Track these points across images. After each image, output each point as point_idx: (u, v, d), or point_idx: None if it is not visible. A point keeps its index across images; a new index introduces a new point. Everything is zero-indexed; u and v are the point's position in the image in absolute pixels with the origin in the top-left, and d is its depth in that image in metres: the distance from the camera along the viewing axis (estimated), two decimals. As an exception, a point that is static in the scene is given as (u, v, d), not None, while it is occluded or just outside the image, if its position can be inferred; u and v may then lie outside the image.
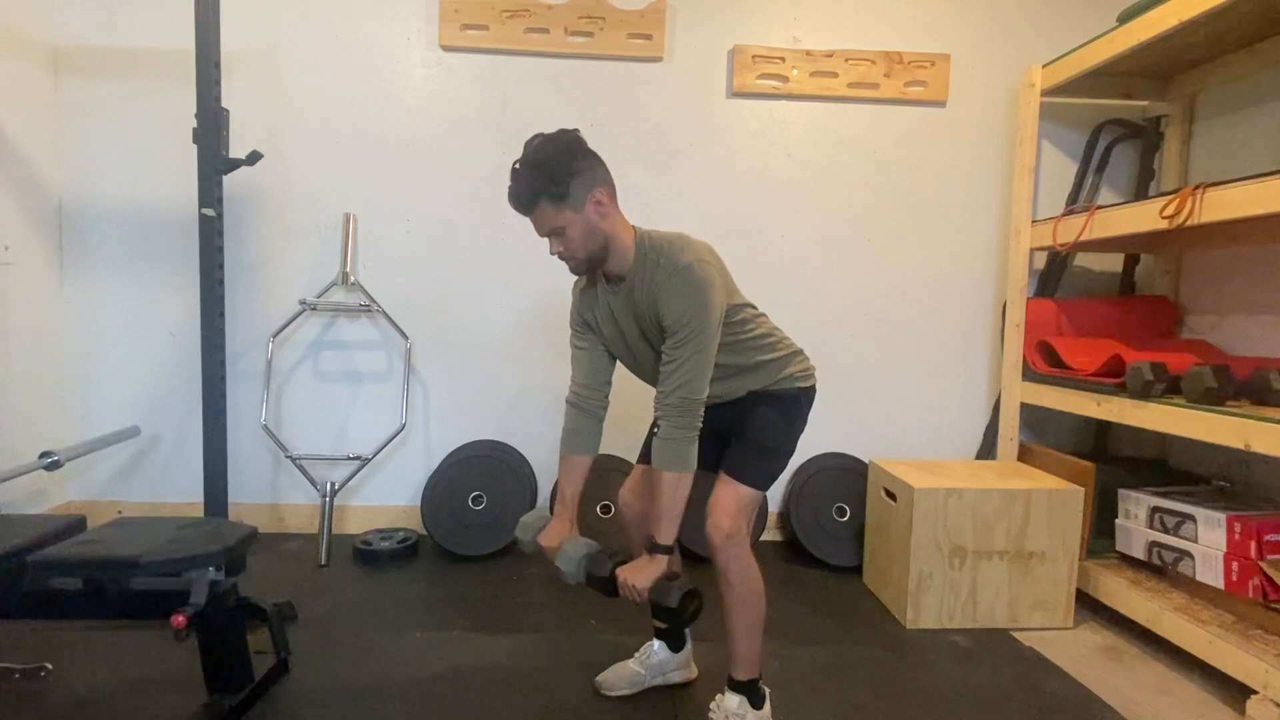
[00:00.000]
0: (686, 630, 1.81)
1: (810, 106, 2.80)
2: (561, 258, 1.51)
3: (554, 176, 1.42)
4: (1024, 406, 2.61)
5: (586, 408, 1.66)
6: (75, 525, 1.67)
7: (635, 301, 1.52)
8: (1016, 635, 2.15)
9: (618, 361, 1.69)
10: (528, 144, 1.46)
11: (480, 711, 1.67)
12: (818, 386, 1.69)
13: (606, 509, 2.62)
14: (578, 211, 1.45)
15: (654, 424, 1.77)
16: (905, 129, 2.83)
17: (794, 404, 1.63)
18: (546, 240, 1.51)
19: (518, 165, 1.44)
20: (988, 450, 2.87)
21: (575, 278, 1.69)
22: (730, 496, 1.53)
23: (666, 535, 1.47)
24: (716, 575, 1.53)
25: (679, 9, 2.75)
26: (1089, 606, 2.28)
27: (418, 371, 2.81)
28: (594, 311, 1.63)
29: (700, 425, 1.47)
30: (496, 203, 2.74)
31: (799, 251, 2.84)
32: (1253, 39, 2.29)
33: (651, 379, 1.66)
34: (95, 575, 1.50)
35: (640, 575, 1.45)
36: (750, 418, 1.59)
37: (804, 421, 1.65)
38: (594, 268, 1.54)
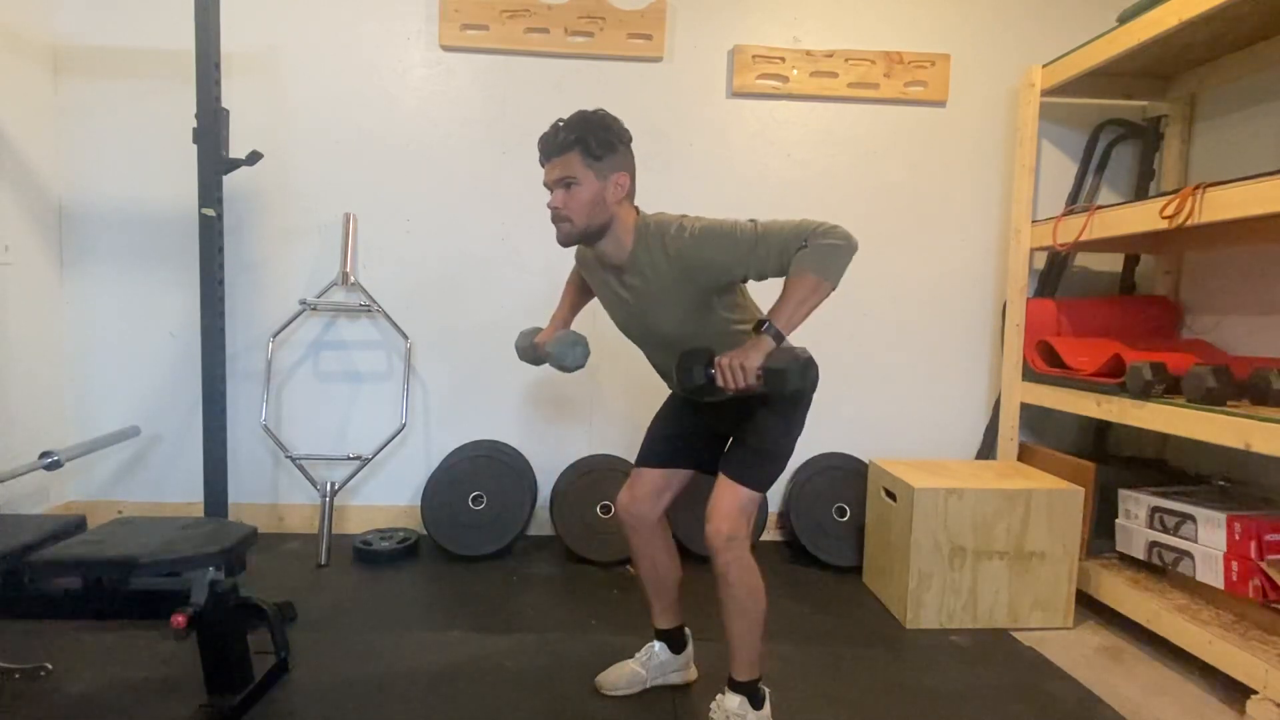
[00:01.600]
0: (687, 631, 1.81)
1: (810, 106, 2.80)
2: (556, 217, 1.49)
3: (600, 138, 1.45)
4: (1024, 406, 2.61)
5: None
6: (75, 525, 1.67)
7: (644, 282, 1.51)
8: (1016, 635, 2.15)
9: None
10: (582, 111, 1.49)
11: (480, 711, 1.67)
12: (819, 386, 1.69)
13: (606, 509, 2.62)
14: (599, 179, 1.46)
15: (652, 425, 1.77)
16: (905, 129, 2.83)
17: (792, 405, 1.63)
18: (549, 214, 1.52)
19: (565, 118, 1.48)
20: (988, 450, 2.87)
21: (579, 261, 1.72)
22: (730, 499, 1.53)
23: (786, 323, 1.36)
24: (716, 577, 1.53)
25: (679, 9, 2.75)
26: (1089, 606, 2.28)
27: (418, 371, 2.81)
28: (596, 283, 1.66)
29: (842, 230, 1.38)
30: (497, 202, 2.76)
31: (799, 251, 2.84)
32: (1253, 39, 2.28)
33: (648, 349, 1.67)
34: (95, 575, 1.50)
35: (748, 354, 1.33)
36: (749, 420, 1.58)
37: (801, 423, 1.64)
38: (582, 243, 1.55)
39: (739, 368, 1.33)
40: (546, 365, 1.71)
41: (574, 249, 1.69)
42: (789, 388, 1.31)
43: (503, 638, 2.02)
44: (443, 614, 2.16)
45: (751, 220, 1.46)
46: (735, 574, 1.51)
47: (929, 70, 2.78)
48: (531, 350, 1.74)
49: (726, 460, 1.59)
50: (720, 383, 1.36)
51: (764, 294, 1.89)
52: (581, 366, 1.68)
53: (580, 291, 1.82)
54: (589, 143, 1.44)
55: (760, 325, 1.39)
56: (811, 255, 1.37)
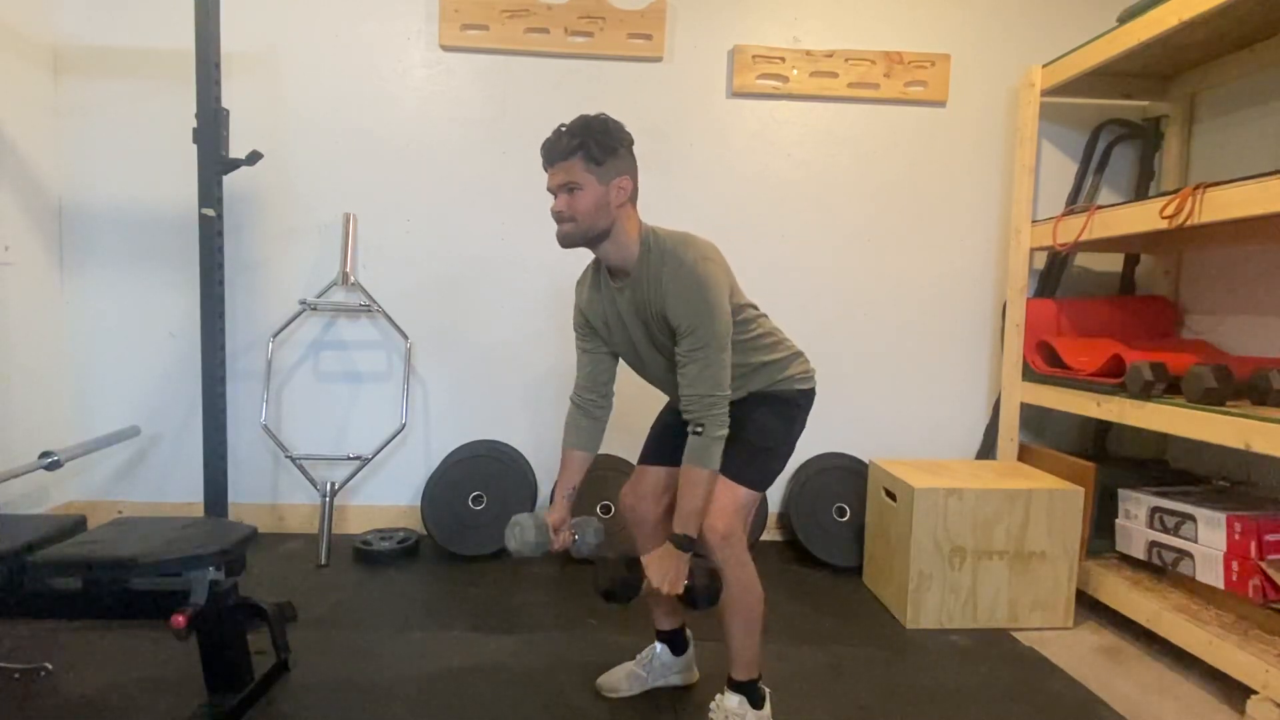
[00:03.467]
0: (688, 633, 1.81)
1: (810, 106, 2.80)
2: (559, 220, 1.49)
3: (601, 142, 1.45)
4: (1024, 406, 2.61)
5: (586, 409, 1.68)
6: (75, 525, 1.67)
7: (641, 298, 1.51)
8: (1016, 635, 2.15)
9: (620, 360, 1.69)
10: (584, 116, 1.49)
11: (480, 711, 1.67)
12: (818, 386, 1.69)
13: (607, 509, 2.62)
14: (601, 183, 1.46)
15: (656, 423, 1.77)
16: (905, 129, 2.83)
17: (793, 405, 1.63)
18: (551, 216, 1.50)
19: (567, 123, 1.47)
20: (988, 450, 2.87)
21: (578, 277, 1.69)
22: (727, 498, 1.52)
23: (692, 530, 1.48)
24: None
25: (679, 9, 2.75)
26: (1089, 606, 2.28)
27: (418, 371, 2.81)
28: (598, 312, 1.63)
29: (728, 421, 1.48)
30: (497, 202, 2.76)
31: (799, 252, 2.84)
32: (1253, 39, 2.29)
33: (656, 379, 1.66)
34: (95, 575, 1.50)
35: (672, 579, 1.46)
36: (749, 419, 1.58)
37: (802, 424, 1.65)
38: (583, 246, 1.53)
39: (670, 581, 1.45)
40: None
41: (571, 251, 1.69)
42: (699, 608, 1.46)
43: (503, 638, 2.02)
44: (443, 614, 2.16)
45: (725, 338, 1.46)
46: (732, 574, 1.51)
47: (929, 70, 2.78)
48: (536, 545, 1.59)
49: (725, 459, 1.57)
50: (649, 588, 1.47)
51: (753, 292, 1.89)
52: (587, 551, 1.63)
53: (579, 464, 1.71)
54: (591, 147, 1.44)
55: (673, 538, 1.48)
56: (702, 451, 1.47)
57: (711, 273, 1.46)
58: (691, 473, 1.47)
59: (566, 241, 1.51)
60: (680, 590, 1.45)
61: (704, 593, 1.45)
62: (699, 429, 1.47)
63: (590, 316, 1.64)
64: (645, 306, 1.51)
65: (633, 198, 1.52)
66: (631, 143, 1.52)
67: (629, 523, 1.74)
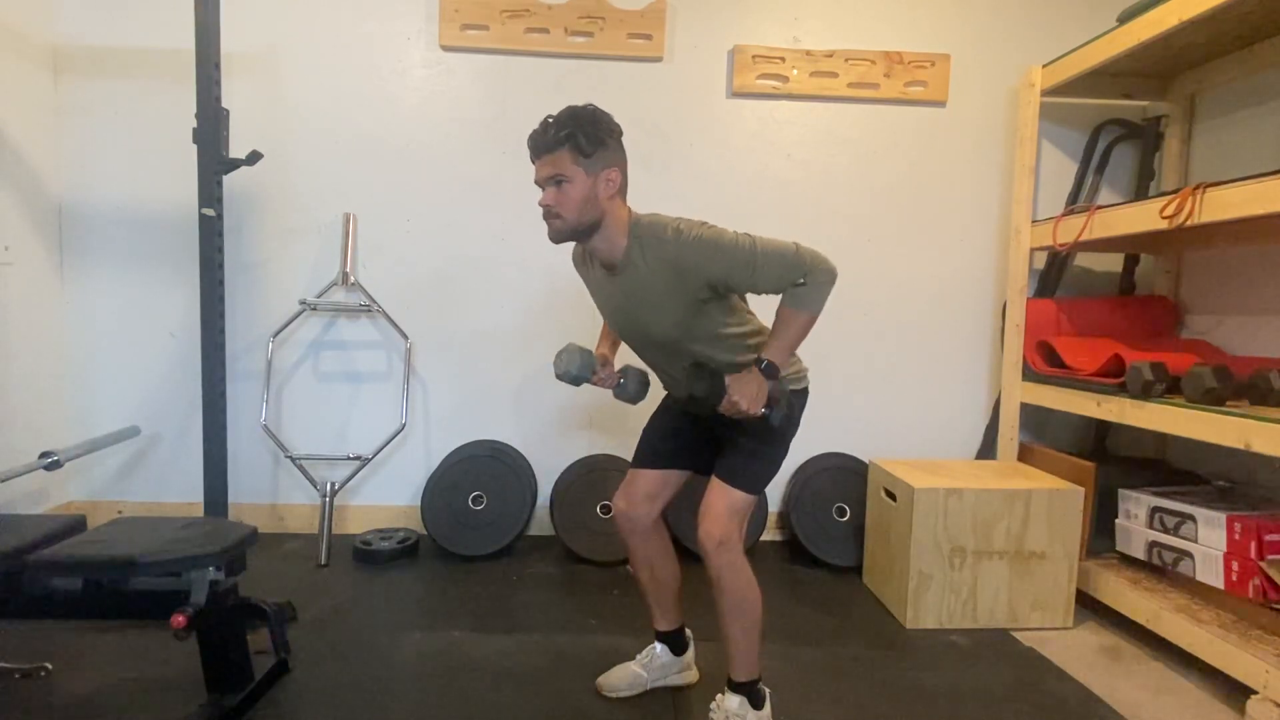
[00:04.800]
0: (688, 633, 1.81)
1: (810, 106, 2.80)
2: (548, 215, 1.48)
3: (589, 134, 1.43)
4: (1024, 406, 2.61)
5: None
6: (75, 525, 1.67)
7: (647, 279, 1.49)
8: (1016, 635, 2.15)
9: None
10: (571, 107, 1.48)
11: (480, 711, 1.67)
12: (817, 387, 1.68)
13: (606, 509, 2.62)
14: (590, 175, 1.45)
15: (648, 427, 1.76)
16: (905, 129, 2.83)
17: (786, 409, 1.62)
18: (540, 215, 1.50)
19: (554, 114, 1.46)
20: (988, 450, 2.87)
21: (573, 261, 1.70)
22: (722, 502, 1.52)
23: (780, 360, 1.48)
24: (710, 581, 1.52)
25: (679, 9, 2.75)
26: (1089, 606, 2.28)
27: (418, 371, 2.81)
28: (597, 294, 1.64)
29: (828, 264, 1.45)
30: (497, 202, 2.76)
31: (799, 251, 2.84)
32: (1253, 39, 2.29)
33: (653, 361, 1.66)
34: (95, 575, 1.50)
35: (753, 398, 1.44)
36: (742, 422, 1.56)
37: (796, 425, 1.63)
38: (573, 240, 1.53)
39: (751, 399, 1.44)
40: (548, 366, 1.69)
41: (569, 249, 1.69)
42: (774, 431, 1.49)
43: (503, 638, 2.02)
44: (443, 614, 2.16)
45: (747, 235, 1.46)
46: (728, 579, 1.51)
47: (929, 70, 2.78)
48: (583, 369, 1.62)
49: (720, 463, 1.58)
50: (724, 405, 1.45)
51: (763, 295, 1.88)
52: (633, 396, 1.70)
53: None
54: (579, 139, 1.43)
55: (759, 362, 1.47)
56: (809, 293, 1.45)
57: (701, 226, 1.47)
58: (786, 312, 1.47)
59: (557, 238, 1.51)
60: (759, 410, 1.45)
61: (781, 419, 1.47)
62: (801, 281, 1.44)
63: (585, 282, 1.66)
64: (643, 286, 1.49)
65: (622, 190, 1.51)
66: (620, 134, 1.50)
67: (620, 528, 1.72)
